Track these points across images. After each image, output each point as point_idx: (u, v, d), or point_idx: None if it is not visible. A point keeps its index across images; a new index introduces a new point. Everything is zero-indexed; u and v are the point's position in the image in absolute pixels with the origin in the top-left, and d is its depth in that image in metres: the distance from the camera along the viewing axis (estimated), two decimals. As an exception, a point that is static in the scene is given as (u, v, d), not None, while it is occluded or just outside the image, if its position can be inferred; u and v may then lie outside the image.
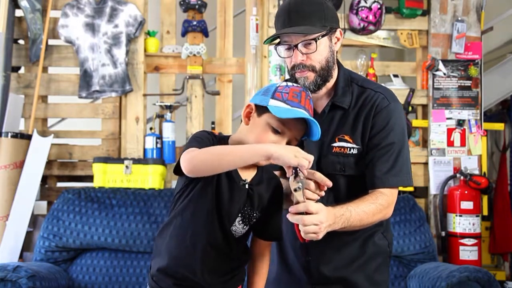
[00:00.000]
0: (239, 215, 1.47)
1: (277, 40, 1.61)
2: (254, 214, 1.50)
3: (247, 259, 1.59)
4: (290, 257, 1.75)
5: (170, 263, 1.47)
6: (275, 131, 1.45)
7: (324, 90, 1.62)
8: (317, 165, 1.64)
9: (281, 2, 3.23)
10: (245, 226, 1.50)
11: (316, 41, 1.53)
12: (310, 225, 1.35)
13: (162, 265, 1.48)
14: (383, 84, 3.39)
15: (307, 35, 1.52)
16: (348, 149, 1.61)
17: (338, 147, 1.62)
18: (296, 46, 1.54)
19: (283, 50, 1.59)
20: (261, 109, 1.47)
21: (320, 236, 1.38)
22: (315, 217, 1.36)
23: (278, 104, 1.44)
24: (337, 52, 1.65)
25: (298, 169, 1.36)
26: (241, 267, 1.58)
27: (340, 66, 1.67)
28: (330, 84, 1.63)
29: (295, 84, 1.52)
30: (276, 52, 1.62)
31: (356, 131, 1.61)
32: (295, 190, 1.36)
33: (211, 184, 1.45)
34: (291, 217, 1.37)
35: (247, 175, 1.49)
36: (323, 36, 1.54)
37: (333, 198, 1.62)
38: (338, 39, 1.62)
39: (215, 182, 1.45)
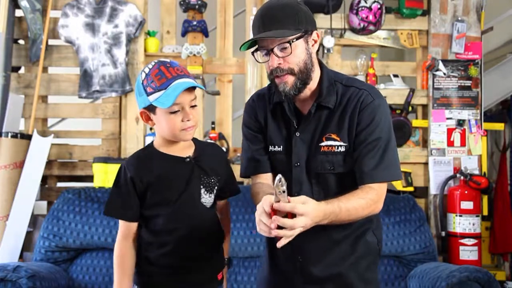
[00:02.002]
0: (201, 186, 1.62)
1: (255, 47, 1.62)
2: (213, 180, 1.65)
3: (222, 239, 1.73)
4: (281, 260, 1.76)
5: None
6: (175, 112, 1.54)
7: (308, 91, 1.63)
8: (306, 166, 1.66)
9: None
10: (210, 194, 1.65)
11: (290, 44, 1.53)
12: (297, 228, 1.35)
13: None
14: (383, 84, 3.37)
15: (282, 39, 1.53)
16: (336, 147, 1.63)
17: (326, 146, 1.63)
18: (272, 50, 1.55)
19: (261, 56, 1.60)
20: (151, 108, 1.56)
21: (295, 234, 1.36)
22: (302, 220, 1.35)
23: (156, 96, 1.51)
24: (321, 53, 1.66)
25: (281, 176, 1.36)
26: (218, 249, 1.71)
27: (323, 66, 1.68)
28: (314, 85, 1.64)
29: (151, 66, 1.55)
30: (254, 58, 1.63)
31: (343, 128, 1.62)
32: (280, 193, 1.34)
33: (164, 178, 1.59)
34: (277, 221, 1.34)
35: (188, 152, 1.64)
36: (297, 38, 1.54)
37: (323, 195, 1.63)
38: (316, 41, 1.62)
39: (166, 175, 1.59)
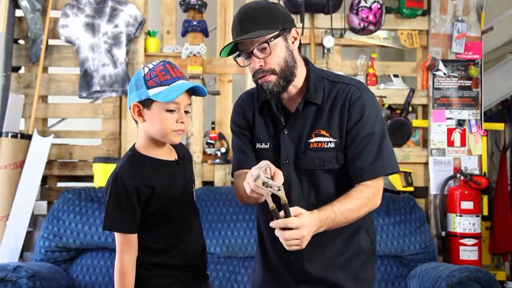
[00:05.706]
0: (193, 185, 1.69)
1: (237, 53, 1.64)
2: (193, 178, 1.71)
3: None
4: (272, 259, 1.76)
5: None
6: (171, 111, 1.52)
7: (294, 89, 1.65)
8: (295, 163, 1.66)
9: (281, 2, 3.23)
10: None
11: (269, 44, 1.55)
12: (291, 240, 1.40)
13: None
14: (383, 84, 3.35)
15: (260, 39, 1.55)
16: (326, 143, 1.63)
17: (316, 142, 1.63)
18: (252, 52, 1.57)
19: (243, 60, 1.62)
20: (147, 102, 1.53)
21: (304, 245, 1.42)
22: (295, 232, 1.39)
23: (157, 90, 1.50)
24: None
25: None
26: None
27: (309, 64, 1.70)
28: (299, 82, 1.66)
29: (155, 63, 1.55)
30: (237, 63, 1.64)
31: (332, 124, 1.63)
32: (277, 189, 1.39)
33: (165, 184, 1.57)
34: (276, 232, 1.42)
35: (173, 155, 1.63)
36: (275, 37, 1.56)
37: (314, 194, 1.65)
38: (295, 38, 1.63)
39: (166, 181, 1.58)
